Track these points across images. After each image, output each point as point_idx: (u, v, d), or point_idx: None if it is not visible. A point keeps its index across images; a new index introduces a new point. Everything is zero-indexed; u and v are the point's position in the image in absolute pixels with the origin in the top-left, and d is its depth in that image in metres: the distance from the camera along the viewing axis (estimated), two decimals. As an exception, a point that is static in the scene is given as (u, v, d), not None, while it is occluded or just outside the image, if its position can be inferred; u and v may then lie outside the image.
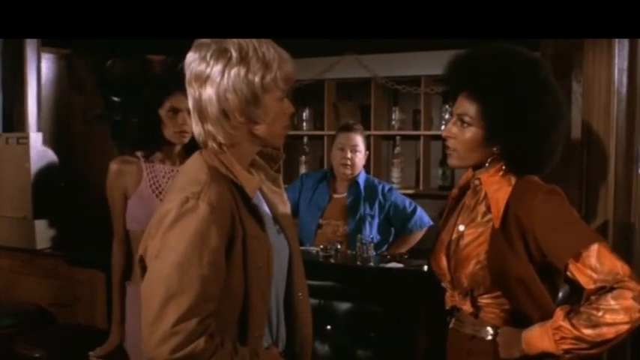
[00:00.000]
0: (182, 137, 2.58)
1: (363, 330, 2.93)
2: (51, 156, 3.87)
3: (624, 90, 3.14)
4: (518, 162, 1.78)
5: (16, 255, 3.86)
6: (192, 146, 2.61)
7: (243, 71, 1.62)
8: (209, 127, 1.65)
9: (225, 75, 1.62)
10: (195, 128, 1.70)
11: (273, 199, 1.81)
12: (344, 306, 2.97)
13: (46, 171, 3.81)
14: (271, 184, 1.85)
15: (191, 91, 1.67)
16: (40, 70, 4.46)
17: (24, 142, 3.78)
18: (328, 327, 2.97)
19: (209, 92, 1.63)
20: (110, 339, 2.66)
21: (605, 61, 3.12)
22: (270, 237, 1.71)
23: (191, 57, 1.66)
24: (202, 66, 1.63)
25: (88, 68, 4.83)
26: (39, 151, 3.80)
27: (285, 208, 1.84)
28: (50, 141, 4.19)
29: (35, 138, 3.82)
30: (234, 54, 1.62)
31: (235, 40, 1.64)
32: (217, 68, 1.62)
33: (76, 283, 3.61)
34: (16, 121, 4.40)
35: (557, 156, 1.80)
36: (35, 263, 3.79)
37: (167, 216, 1.57)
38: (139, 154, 2.61)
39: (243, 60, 1.62)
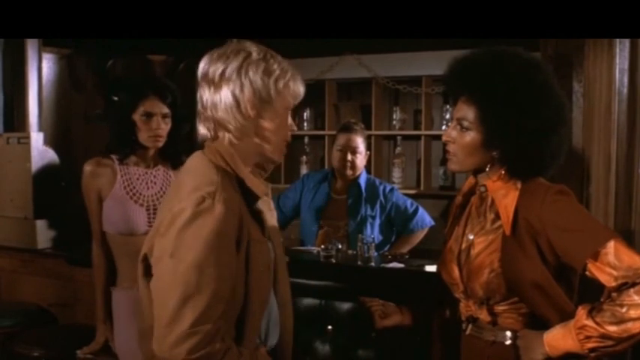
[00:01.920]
0: (156, 141, 2.60)
1: (364, 330, 2.93)
2: (52, 156, 3.86)
3: (625, 90, 3.13)
4: (518, 166, 1.76)
5: (17, 255, 3.85)
6: (166, 150, 2.63)
7: (261, 68, 1.67)
8: (220, 115, 1.67)
9: (244, 68, 1.66)
10: (202, 128, 1.71)
11: (262, 207, 1.80)
12: (345, 306, 2.97)
13: (47, 171, 3.80)
14: None
15: (205, 87, 1.69)
16: (41, 70, 4.47)
17: (25, 142, 3.77)
18: (329, 327, 2.97)
19: (225, 82, 1.66)
20: (96, 338, 2.68)
21: (606, 62, 3.11)
22: None
23: (208, 57, 1.70)
24: (221, 60, 1.68)
25: (88, 68, 4.84)
26: (40, 151, 3.80)
27: (272, 216, 1.84)
28: (51, 141, 4.19)
29: (36, 138, 3.81)
30: (254, 52, 1.68)
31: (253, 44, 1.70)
32: (237, 61, 1.67)
33: (77, 283, 3.61)
34: (17, 121, 4.40)
35: (560, 160, 1.79)
36: (36, 263, 3.79)
37: (181, 215, 1.56)
38: (113, 156, 2.63)
39: (263, 59, 1.68)
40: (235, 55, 1.67)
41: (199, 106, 1.72)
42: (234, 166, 1.67)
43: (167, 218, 1.59)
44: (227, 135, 1.68)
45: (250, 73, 1.65)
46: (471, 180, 1.91)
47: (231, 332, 1.63)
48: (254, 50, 1.68)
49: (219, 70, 1.67)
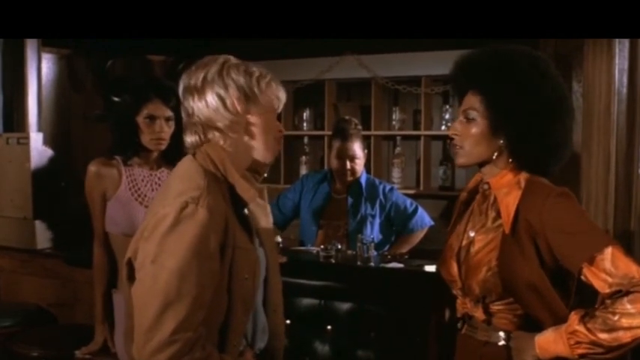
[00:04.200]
0: (159, 144, 2.59)
1: (364, 330, 2.93)
2: (51, 156, 3.87)
3: (624, 90, 3.14)
4: (524, 154, 1.77)
5: (17, 255, 3.85)
6: (169, 153, 2.62)
7: (242, 69, 1.69)
8: (208, 116, 1.67)
9: (225, 70, 1.68)
10: (189, 136, 1.71)
11: (257, 211, 1.80)
12: (344, 306, 2.97)
13: (47, 171, 3.80)
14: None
15: (189, 96, 1.69)
16: (41, 71, 4.46)
17: (24, 142, 3.77)
18: (328, 327, 2.97)
19: (209, 85, 1.67)
20: (95, 339, 2.68)
21: (606, 62, 3.11)
22: None
23: (186, 73, 1.72)
24: (200, 69, 1.69)
25: (88, 68, 4.84)
26: (39, 151, 3.79)
27: (268, 221, 1.83)
28: (50, 141, 4.19)
29: (35, 138, 3.81)
30: (232, 58, 1.71)
31: None
32: (217, 66, 1.69)
33: (76, 283, 3.61)
34: (16, 122, 4.40)
35: (565, 153, 1.79)
36: (35, 263, 3.79)
37: (164, 220, 1.55)
38: (118, 157, 2.62)
39: (241, 63, 1.71)
40: (214, 62, 1.69)
41: (184, 117, 1.72)
42: (223, 170, 1.67)
43: (151, 223, 1.58)
44: (217, 134, 1.68)
45: (232, 74, 1.68)
46: (477, 176, 1.91)
47: (213, 338, 1.62)
48: (231, 57, 1.72)
49: (201, 77, 1.68)
